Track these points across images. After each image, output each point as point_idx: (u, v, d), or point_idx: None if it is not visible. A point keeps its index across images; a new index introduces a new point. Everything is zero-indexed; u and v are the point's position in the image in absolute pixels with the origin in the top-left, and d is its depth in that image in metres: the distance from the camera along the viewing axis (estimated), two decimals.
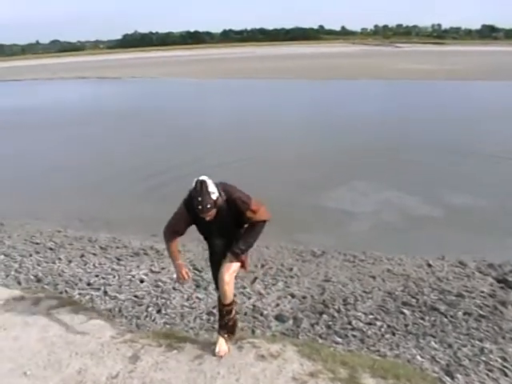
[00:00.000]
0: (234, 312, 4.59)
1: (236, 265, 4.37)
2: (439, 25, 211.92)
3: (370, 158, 14.68)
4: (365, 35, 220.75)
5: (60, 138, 20.46)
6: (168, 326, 5.46)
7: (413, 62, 58.09)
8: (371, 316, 5.80)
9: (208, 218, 4.02)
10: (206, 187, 3.94)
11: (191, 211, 4.09)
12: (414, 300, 6.18)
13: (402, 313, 5.85)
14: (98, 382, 3.58)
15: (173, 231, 4.33)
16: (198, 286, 6.69)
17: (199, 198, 3.91)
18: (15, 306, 5.68)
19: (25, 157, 17.68)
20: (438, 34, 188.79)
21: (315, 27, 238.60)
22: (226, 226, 4.27)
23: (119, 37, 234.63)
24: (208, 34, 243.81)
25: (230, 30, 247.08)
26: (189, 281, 4.55)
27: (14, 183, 14.05)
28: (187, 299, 6.26)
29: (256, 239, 4.37)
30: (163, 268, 7.37)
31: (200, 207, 3.91)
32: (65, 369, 4.33)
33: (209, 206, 3.93)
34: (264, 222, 4.30)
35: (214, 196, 3.96)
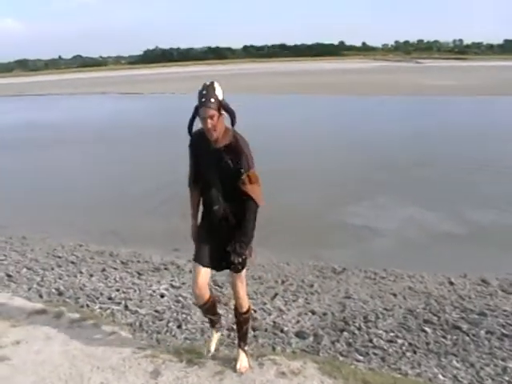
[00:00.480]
0: (250, 319, 4.72)
1: (244, 269, 4.32)
2: (460, 40, 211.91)
3: (392, 174, 14.66)
4: (386, 51, 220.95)
5: (80, 153, 20.65)
6: (188, 342, 5.46)
7: (434, 77, 57.89)
8: (392, 334, 5.75)
9: (209, 125, 3.80)
10: (213, 86, 3.83)
11: (193, 145, 4.18)
12: (435, 318, 6.13)
13: (424, 331, 5.80)
14: None
15: (194, 180, 4.34)
16: (218, 302, 6.68)
17: (203, 92, 3.79)
18: (37, 319, 5.73)
19: (45, 172, 17.92)
20: (460, 50, 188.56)
21: (336, 43, 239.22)
22: (226, 176, 4.04)
23: (140, 52, 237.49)
24: (229, 49, 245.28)
25: (252, 46, 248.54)
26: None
27: (35, 198, 14.22)
28: None
29: (254, 227, 4.19)
30: (184, 283, 7.39)
31: (203, 100, 3.76)
32: (86, 382, 4.35)
33: (212, 100, 3.77)
34: (256, 204, 4.09)
35: (219, 97, 3.82)
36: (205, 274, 4.25)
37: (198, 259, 4.27)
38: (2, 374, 4.59)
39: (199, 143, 4.09)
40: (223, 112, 3.88)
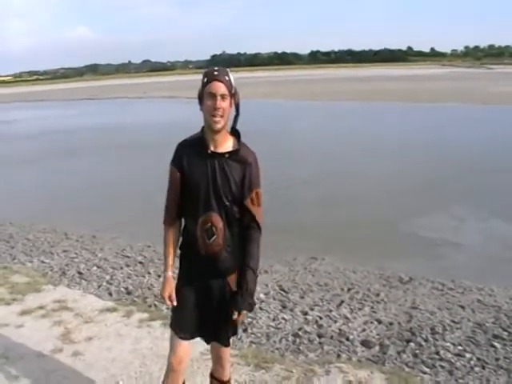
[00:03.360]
0: None
1: (236, 331, 3.47)
2: None
3: (463, 182, 14.43)
4: (454, 56, 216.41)
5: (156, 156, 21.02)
6: (254, 346, 5.51)
7: (506, 84, 56.19)
8: (460, 347, 5.63)
9: (219, 105, 2.94)
10: (227, 70, 3.06)
11: (179, 157, 3.15)
12: (505, 333, 5.95)
13: (493, 346, 5.64)
14: None
15: (175, 212, 3.27)
16: (284, 307, 6.71)
17: (215, 68, 3.04)
18: (108, 316, 5.91)
19: (117, 175, 18.42)
20: None
21: (404, 48, 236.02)
22: (228, 191, 3.08)
23: (208, 57, 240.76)
24: (296, 55, 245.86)
25: (318, 51, 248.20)
26: (169, 305, 3.36)
27: (104, 200, 14.63)
28: (273, 319, 6.29)
29: (258, 266, 3.34)
30: None
31: (216, 73, 2.97)
32: (155, 381, 4.44)
33: (227, 78, 2.97)
34: (259, 228, 3.24)
35: (233, 83, 3.04)
36: (187, 346, 3.34)
37: (177, 330, 3.31)
38: (74, 369, 4.75)
39: (189, 151, 3.13)
40: (233, 105, 3.07)
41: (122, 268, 8.51)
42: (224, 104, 2.96)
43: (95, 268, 8.50)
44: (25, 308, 6.09)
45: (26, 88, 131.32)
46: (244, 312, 3.16)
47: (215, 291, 3.21)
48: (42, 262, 8.84)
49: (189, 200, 3.15)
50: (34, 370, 4.71)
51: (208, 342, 3.45)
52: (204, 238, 3.10)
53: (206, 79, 2.99)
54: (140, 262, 8.84)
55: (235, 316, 3.12)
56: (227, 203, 3.07)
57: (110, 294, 7.24)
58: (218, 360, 3.50)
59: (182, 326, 3.28)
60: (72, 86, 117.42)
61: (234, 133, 3.15)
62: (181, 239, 3.35)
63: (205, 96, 3.00)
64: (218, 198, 3.06)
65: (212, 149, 3.07)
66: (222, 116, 2.98)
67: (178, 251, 3.38)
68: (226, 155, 3.07)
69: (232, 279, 3.22)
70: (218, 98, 2.94)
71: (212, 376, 3.61)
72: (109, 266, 8.65)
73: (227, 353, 3.46)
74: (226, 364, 3.51)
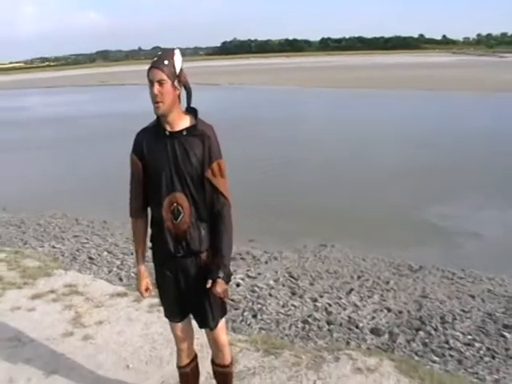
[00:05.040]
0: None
1: (224, 312, 3.37)
2: None
3: (475, 171, 14.38)
4: (466, 44, 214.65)
5: None
6: (263, 332, 5.52)
7: None
8: (470, 337, 5.63)
9: (156, 90, 2.90)
10: (172, 52, 3.02)
11: (139, 144, 3.13)
12: None
13: (503, 336, 5.64)
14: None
15: (141, 203, 3.23)
16: (293, 294, 6.74)
17: (158, 53, 3.02)
18: (119, 301, 5.92)
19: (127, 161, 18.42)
20: None
21: (415, 36, 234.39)
22: (190, 168, 3.01)
23: (218, 44, 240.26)
24: (306, 41, 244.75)
25: (329, 38, 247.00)
26: (146, 297, 3.44)
27: (114, 186, 14.63)
28: (283, 306, 6.32)
29: (231, 238, 3.18)
30: (259, 273, 7.48)
31: (155, 59, 2.95)
32: (165, 365, 4.48)
33: (166, 63, 2.92)
34: (229, 204, 3.15)
35: (177, 66, 2.99)
36: (184, 326, 3.38)
37: (167, 315, 3.40)
38: (85, 352, 4.78)
39: (148, 137, 3.12)
40: (178, 86, 3.01)
41: (132, 253, 8.54)
42: (162, 89, 2.91)
43: (106, 253, 8.57)
44: (36, 292, 6.12)
45: (37, 74, 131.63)
46: (220, 282, 3.00)
47: (191, 271, 3.15)
48: (53, 247, 8.91)
49: (152, 186, 3.10)
50: (45, 353, 4.75)
51: (200, 327, 3.37)
52: (171, 219, 3.06)
53: (149, 67, 2.96)
54: (150, 248, 8.84)
55: (209, 285, 3.01)
56: (190, 181, 3.01)
57: (121, 280, 7.30)
58: (214, 345, 3.42)
59: (170, 311, 3.32)
60: (83, 72, 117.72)
61: (191, 111, 3.12)
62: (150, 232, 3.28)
63: (148, 83, 2.97)
64: (180, 177, 3.01)
65: (169, 129, 3.03)
66: (161, 101, 2.93)
67: (149, 244, 3.31)
68: (184, 132, 3.01)
69: (205, 255, 3.16)
70: (156, 84, 2.91)
71: (213, 362, 3.56)
72: (119, 251, 8.71)
73: (221, 336, 3.36)
74: (224, 348, 3.43)
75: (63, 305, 5.76)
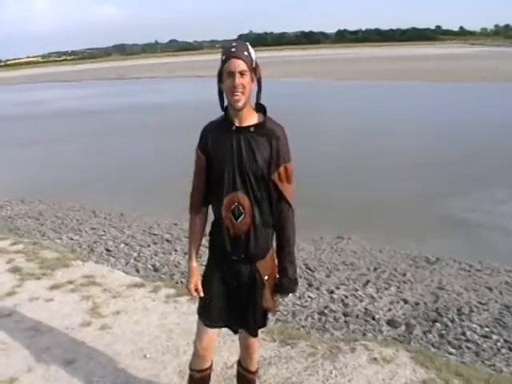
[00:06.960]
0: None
1: (265, 323, 3.28)
2: None
3: (496, 164, 14.09)
4: (484, 35, 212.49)
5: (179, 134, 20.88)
6: (279, 323, 5.53)
7: None
8: (487, 329, 5.60)
9: (238, 82, 2.79)
10: (246, 45, 2.91)
11: (205, 139, 3.02)
12: None
13: None
14: (214, 371, 3.71)
15: (196, 199, 3.12)
16: (310, 285, 6.75)
17: (233, 44, 2.89)
18: (136, 292, 5.98)
19: (145, 155, 18.55)
20: None
21: (432, 27, 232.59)
22: (255, 167, 2.89)
23: (234, 36, 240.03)
24: (322, 34, 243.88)
25: (345, 30, 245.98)
26: (195, 296, 3.23)
27: (131, 178, 14.77)
28: (299, 297, 6.33)
29: (294, 238, 3.10)
30: None
31: (234, 50, 2.82)
32: (182, 355, 4.51)
33: (246, 54, 2.83)
34: (290, 205, 3.01)
35: (254, 58, 2.90)
36: (213, 334, 3.24)
37: (204, 318, 3.19)
38: (102, 341, 4.83)
39: (214, 131, 3.00)
40: (254, 79, 2.93)
41: (149, 245, 8.62)
42: (244, 80, 2.81)
43: (123, 245, 8.62)
44: (54, 282, 6.19)
45: (55, 68, 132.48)
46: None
47: (244, 277, 3.04)
48: (71, 238, 8.98)
49: (214, 182, 2.99)
50: (63, 343, 4.81)
51: (235, 332, 3.33)
52: (231, 218, 2.93)
53: (224, 57, 2.86)
54: (167, 240, 8.92)
55: (277, 298, 3.15)
56: (253, 180, 2.88)
57: (138, 271, 7.35)
58: (246, 349, 3.38)
59: (209, 314, 3.15)
60: (101, 66, 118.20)
61: (259, 108, 3.00)
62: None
63: (224, 74, 2.85)
64: (243, 176, 2.88)
65: (237, 124, 2.92)
66: (242, 93, 2.82)
67: (204, 240, 3.22)
68: (252, 129, 2.90)
69: (261, 265, 3.03)
70: (237, 75, 2.80)
71: (239, 364, 3.53)
72: (136, 243, 8.76)
73: (256, 343, 3.34)
74: (254, 354, 3.40)
75: (81, 295, 5.82)
